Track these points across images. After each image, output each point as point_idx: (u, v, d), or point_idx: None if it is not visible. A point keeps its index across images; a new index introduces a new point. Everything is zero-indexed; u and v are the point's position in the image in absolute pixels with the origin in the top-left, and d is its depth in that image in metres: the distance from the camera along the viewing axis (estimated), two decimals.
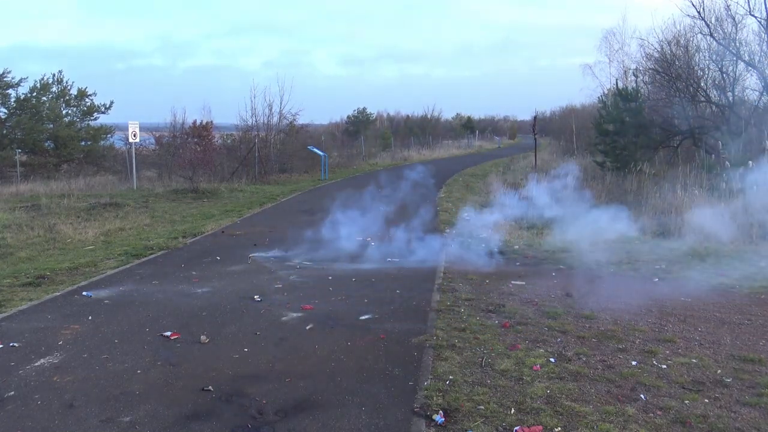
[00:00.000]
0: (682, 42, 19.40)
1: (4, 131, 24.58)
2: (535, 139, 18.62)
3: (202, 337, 5.44)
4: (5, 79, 24.44)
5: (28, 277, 7.81)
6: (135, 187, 19.50)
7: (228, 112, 77.99)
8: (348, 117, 46.83)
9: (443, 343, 5.22)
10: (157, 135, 25.97)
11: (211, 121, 27.03)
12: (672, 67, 18.61)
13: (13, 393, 4.28)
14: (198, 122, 26.45)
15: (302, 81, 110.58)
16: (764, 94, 17.42)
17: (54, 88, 26.15)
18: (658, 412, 3.91)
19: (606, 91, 24.35)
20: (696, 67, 18.75)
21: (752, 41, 17.65)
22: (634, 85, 19.47)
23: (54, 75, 26.36)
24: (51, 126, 25.46)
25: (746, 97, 18.36)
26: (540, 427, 3.70)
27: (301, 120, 30.01)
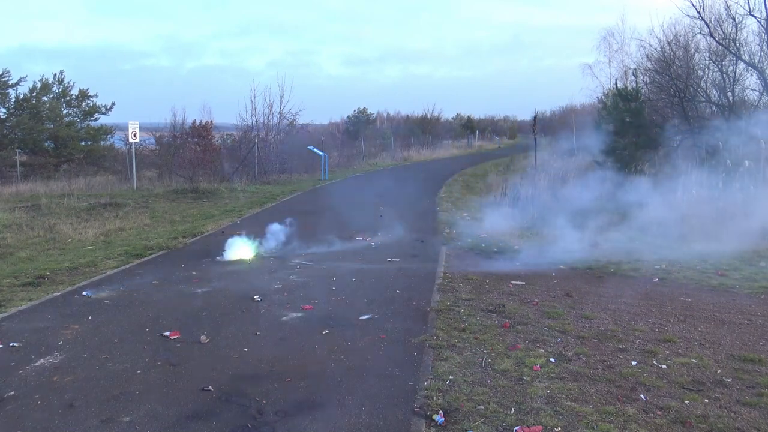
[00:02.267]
0: (682, 42, 19.41)
1: (4, 131, 24.59)
2: (535, 139, 18.58)
3: (202, 337, 5.44)
4: (4, 78, 24.45)
5: (28, 277, 7.81)
6: (135, 187, 19.51)
7: (228, 112, 77.89)
8: (348, 117, 46.89)
9: (443, 343, 5.22)
10: (157, 135, 25.98)
11: (211, 121, 27.05)
12: (672, 68, 18.62)
13: (13, 393, 4.28)
14: (198, 122, 26.47)
15: (306, 81, 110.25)
16: (764, 94, 17.43)
17: (55, 89, 26.18)
18: (658, 412, 3.91)
19: (606, 91, 24.35)
20: (696, 67, 18.76)
21: (752, 41, 17.67)
22: (634, 85, 19.48)
23: (55, 75, 26.42)
24: (51, 126, 25.48)
25: (746, 97, 18.37)
26: (540, 427, 3.70)
27: (301, 120, 30.03)
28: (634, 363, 4.77)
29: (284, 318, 6.07)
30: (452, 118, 61.93)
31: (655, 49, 20.41)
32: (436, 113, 54.21)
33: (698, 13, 17.61)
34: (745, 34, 17.76)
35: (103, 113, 27.35)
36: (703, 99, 18.20)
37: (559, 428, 3.70)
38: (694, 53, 19.06)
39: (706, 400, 4.09)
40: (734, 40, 17.30)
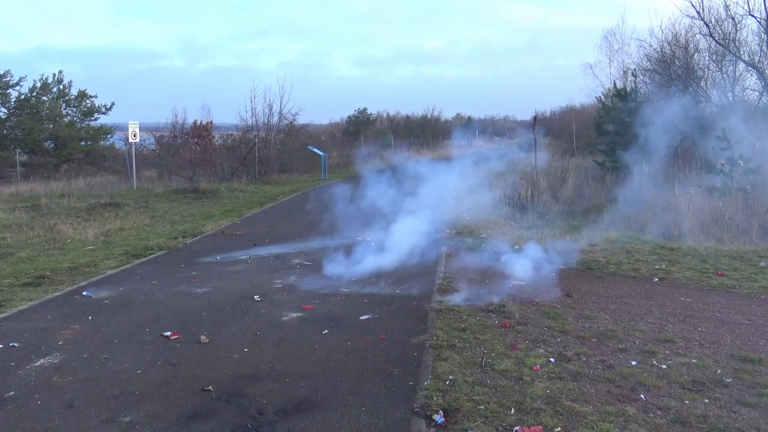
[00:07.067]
0: (681, 42, 19.42)
1: (5, 131, 24.58)
2: (535, 138, 18.55)
3: (202, 337, 5.44)
4: (5, 79, 24.45)
5: (28, 277, 7.81)
6: (135, 187, 19.51)
7: (229, 112, 77.77)
8: (348, 117, 46.89)
9: (443, 343, 5.22)
10: (157, 135, 25.99)
11: (212, 121, 27.07)
12: (671, 68, 18.64)
13: (13, 393, 4.28)
14: (198, 122, 26.48)
15: (318, 81, 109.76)
16: (764, 94, 17.43)
17: (54, 88, 26.17)
18: (658, 412, 3.91)
19: (605, 91, 24.36)
20: (696, 67, 18.77)
21: (752, 41, 17.68)
22: (633, 85, 19.49)
23: (55, 75, 26.42)
24: (51, 126, 25.48)
25: (746, 97, 18.37)
26: (540, 427, 3.70)
27: (302, 120, 30.09)
28: (634, 363, 4.77)
29: (284, 318, 6.07)
30: (452, 118, 61.87)
31: (655, 49, 20.44)
32: (436, 113, 54.20)
33: (698, 13, 17.64)
34: (745, 34, 17.79)
35: (103, 113, 27.38)
36: (703, 99, 18.20)
37: (559, 428, 3.70)
38: (694, 53, 19.08)
39: (706, 400, 4.09)
40: (734, 40, 17.31)
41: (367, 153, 34.63)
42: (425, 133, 47.61)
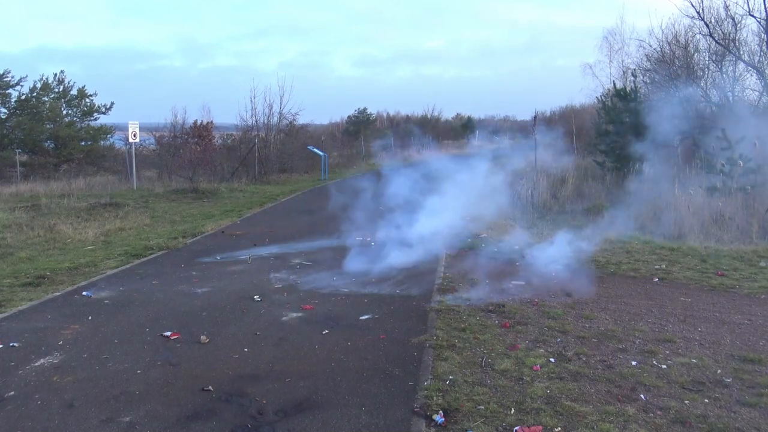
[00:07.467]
0: (681, 42, 19.43)
1: (5, 131, 24.59)
2: (535, 139, 18.53)
3: (202, 337, 5.44)
4: (5, 79, 24.45)
5: (28, 277, 7.81)
6: (135, 187, 19.51)
7: (229, 112, 77.77)
8: (348, 117, 46.91)
9: (443, 343, 5.22)
10: (157, 135, 26.00)
11: (212, 121, 27.09)
12: (671, 68, 18.64)
13: (13, 393, 4.28)
14: (198, 122, 26.49)
15: (318, 81, 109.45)
16: (764, 94, 17.44)
17: (55, 88, 26.17)
18: (658, 412, 3.91)
19: (605, 91, 24.35)
20: (696, 67, 18.78)
21: (752, 41, 17.70)
22: (633, 85, 19.49)
23: (55, 75, 26.42)
24: (51, 126, 25.49)
25: (746, 97, 18.38)
26: (540, 427, 3.70)
27: (301, 120, 30.10)
28: (634, 363, 4.77)
29: (284, 318, 6.07)
30: (452, 118, 61.82)
31: (655, 49, 20.45)
32: (436, 113, 54.24)
33: (698, 13, 17.65)
34: (745, 34, 17.81)
35: (103, 113, 27.39)
36: (703, 99, 18.20)
37: (559, 428, 3.70)
38: (694, 53, 19.09)
39: (706, 400, 4.09)
40: (734, 40, 17.32)
41: (367, 153, 34.68)
42: (425, 133, 47.60)
